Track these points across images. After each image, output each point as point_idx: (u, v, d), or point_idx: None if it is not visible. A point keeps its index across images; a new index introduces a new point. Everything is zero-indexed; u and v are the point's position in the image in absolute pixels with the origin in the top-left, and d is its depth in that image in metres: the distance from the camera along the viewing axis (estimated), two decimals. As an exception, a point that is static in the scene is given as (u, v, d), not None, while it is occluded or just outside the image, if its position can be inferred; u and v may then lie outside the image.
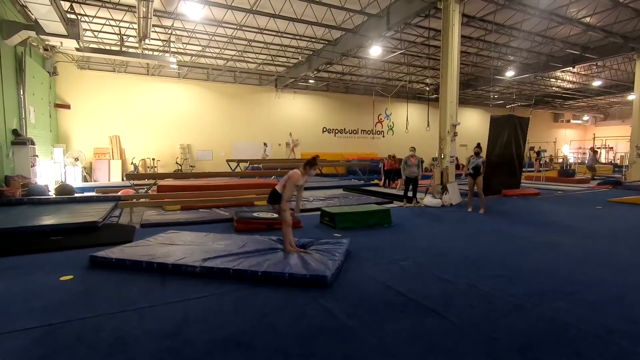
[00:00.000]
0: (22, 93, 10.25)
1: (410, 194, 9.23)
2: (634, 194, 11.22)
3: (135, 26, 11.15)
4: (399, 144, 24.03)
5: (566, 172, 17.40)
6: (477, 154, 8.44)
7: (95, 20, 12.05)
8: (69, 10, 10.83)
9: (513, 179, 11.80)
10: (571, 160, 21.09)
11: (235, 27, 12.61)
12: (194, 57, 16.55)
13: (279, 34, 13.47)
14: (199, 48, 15.38)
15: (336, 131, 23.37)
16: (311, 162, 4.53)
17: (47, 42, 12.08)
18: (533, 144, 23.50)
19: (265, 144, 18.90)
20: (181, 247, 4.58)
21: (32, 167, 9.73)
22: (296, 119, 21.82)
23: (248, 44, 14.54)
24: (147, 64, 16.99)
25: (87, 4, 10.88)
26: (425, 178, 11.44)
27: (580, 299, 3.31)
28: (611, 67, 19.21)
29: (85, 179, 15.10)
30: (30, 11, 9.37)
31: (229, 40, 14.15)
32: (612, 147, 29.94)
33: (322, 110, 22.84)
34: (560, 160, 25.64)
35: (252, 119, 20.24)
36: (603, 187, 13.92)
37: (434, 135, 11.16)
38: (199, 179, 11.95)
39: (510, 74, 18.75)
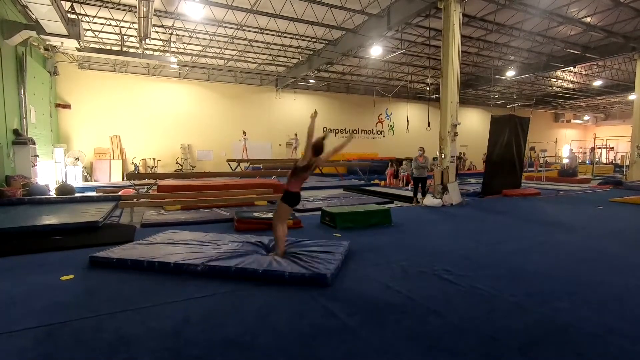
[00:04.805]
0: (22, 93, 10.25)
1: (419, 194, 9.49)
2: (634, 194, 11.19)
3: (136, 26, 11.15)
4: (400, 144, 24.06)
5: (566, 172, 17.38)
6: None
7: (95, 20, 12.06)
8: (69, 10, 10.84)
9: (513, 178, 11.80)
10: (566, 161, 21.20)
11: (235, 27, 12.62)
12: (194, 57, 16.56)
13: (280, 34, 13.46)
14: (200, 48, 15.39)
15: (337, 131, 23.34)
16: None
17: (47, 42, 12.09)
18: (533, 144, 23.47)
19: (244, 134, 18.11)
20: (181, 247, 4.58)
21: (32, 167, 9.74)
22: (297, 119, 21.78)
23: (248, 43, 14.53)
24: (148, 64, 16.99)
25: (87, 4, 10.89)
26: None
27: (581, 299, 3.31)
28: (612, 67, 19.19)
29: (85, 179, 15.11)
30: (31, 11, 9.38)
31: (229, 40, 14.15)
32: (612, 147, 29.91)
33: (322, 110, 22.80)
34: (559, 161, 25.65)
35: (252, 119, 20.24)
36: (604, 187, 13.91)
37: (435, 135, 11.15)
38: (200, 179, 11.95)
39: (510, 73, 18.74)
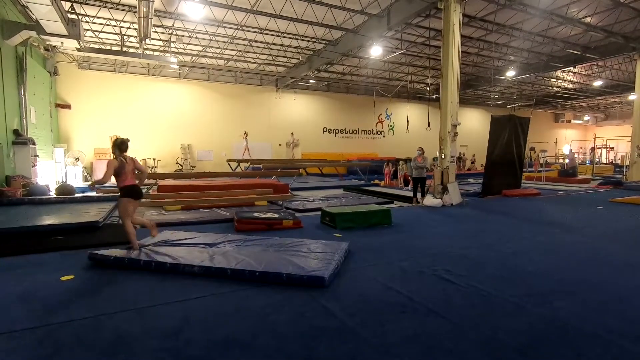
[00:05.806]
0: (23, 93, 10.26)
1: (419, 194, 9.49)
2: (634, 194, 11.19)
3: (136, 26, 11.15)
4: (400, 144, 24.06)
5: (566, 173, 17.38)
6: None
7: (96, 20, 12.06)
8: (69, 10, 10.84)
9: (513, 179, 11.80)
10: (566, 161, 21.28)
11: (235, 27, 12.62)
12: (194, 57, 16.55)
13: (280, 34, 13.46)
14: (200, 48, 15.39)
15: (337, 131, 23.36)
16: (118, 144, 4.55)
17: (48, 42, 12.09)
18: (533, 144, 23.48)
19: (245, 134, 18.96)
20: (180, 247, 4.58)
21: (32, 167, 9.74)
22: (297, 119, 21.81)
23: (248, 44, 14.54)
24: (148, 64, 16.99)
25: (87, 4, 10.89)
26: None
27: (581, 299, 3.31)
28: (612, 67, 19.18)
29: (85, 179, 15.10)
30: (31, 11, 9.38)
31: (229, 40, 14.15)
32: (612, 147, 29.91)
33: (322, 110, 22.83)
34: (560, 161, 25.67)
35: (252, 119, 20.25)
36: (604, 188, 13.90)
37: (435, 135, 11.15)
38: (200, 179, 11.95)
39: (511, 74, 18.74)
